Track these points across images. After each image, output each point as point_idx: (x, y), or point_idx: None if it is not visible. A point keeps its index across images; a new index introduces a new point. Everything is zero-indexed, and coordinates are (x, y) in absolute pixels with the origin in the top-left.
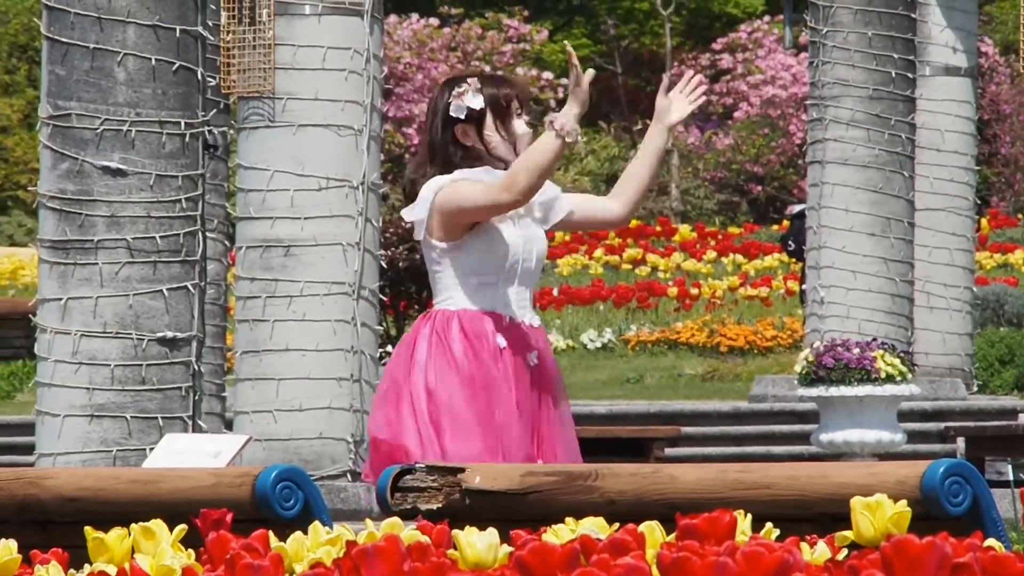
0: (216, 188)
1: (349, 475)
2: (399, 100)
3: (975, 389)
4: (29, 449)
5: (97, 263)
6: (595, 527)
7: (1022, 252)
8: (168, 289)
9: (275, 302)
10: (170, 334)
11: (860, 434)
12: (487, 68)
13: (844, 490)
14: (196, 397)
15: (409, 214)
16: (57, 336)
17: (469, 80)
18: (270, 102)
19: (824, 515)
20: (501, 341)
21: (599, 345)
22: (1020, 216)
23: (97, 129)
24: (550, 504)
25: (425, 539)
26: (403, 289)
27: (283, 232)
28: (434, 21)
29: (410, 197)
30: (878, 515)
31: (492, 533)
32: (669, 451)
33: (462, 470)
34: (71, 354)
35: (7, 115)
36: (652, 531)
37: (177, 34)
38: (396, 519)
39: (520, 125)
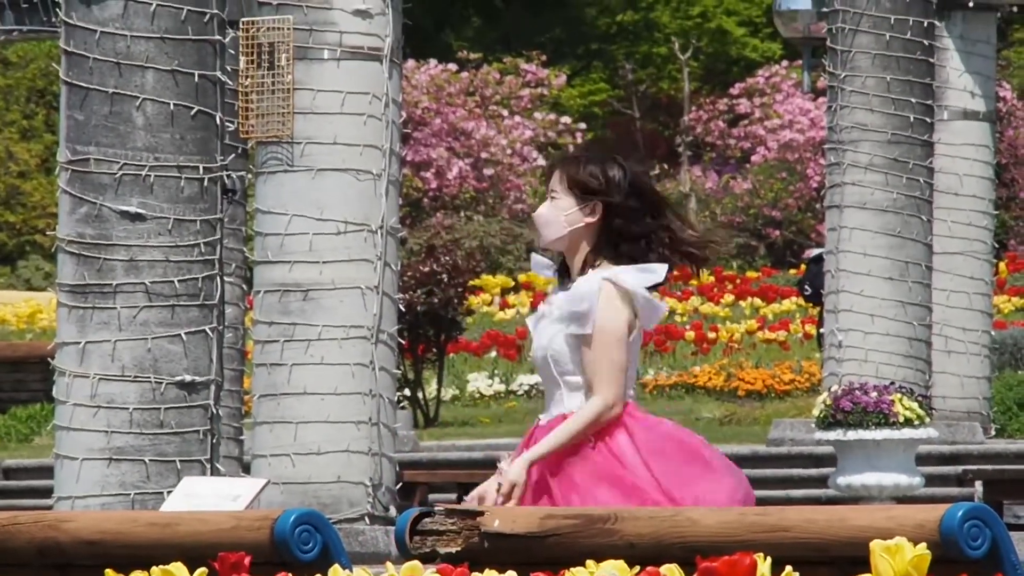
0: (234, 232)
1: (367, 518)
2: (417, 144)
3: (993, 433)
4: (48, 492)
5: (116, 307)
6: (615, 570)
7: None
8: (186, 333)
9: (293, 346)
10: (188, 378)
11: (878, 477)
12: (505, 112)
13: (863, 533)
14: (214, 440)
15: None
16: (76, 379)
17: None
18: (288, 146)
19: (843, 558)
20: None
21: None
22: None
23: (116, 174)
24: (569, 547)
25: None
26: (421, 332)
27: (301, 276)
28: (452, 66)
29: None
30: (898, 558)
31: None
32: None
33: (481, 513)
34: (89, 397)
35: (25, 160)
36: (672, 574)
37: (196, 79)
38: (415, 563)
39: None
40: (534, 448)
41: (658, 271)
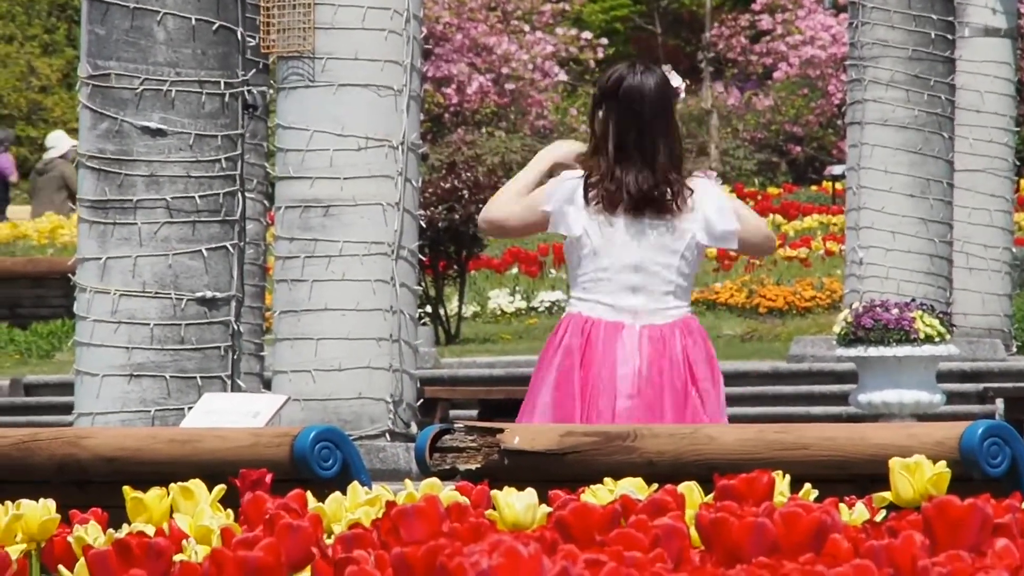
0: (255, 148)
1: (388, 435)
2: (438, 60)
3: (1014, 350)
4: (68, 408)
5: (136, 223)
6: (634, 488)
7: None
8: (207, 249)
9: (314, 262)
10: (209, 294)
11: (899, 395)
12: (526, 28)
13: (882, 451)
14: (235, 357)
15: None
16: (96, 295)
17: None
18: (310, 62)
19: (862, 476)
20: None
21: None
22: None
23: (136, 89)
24: (589, 464)
25: (464, 500)
26: (442, 249)
27: (322, 192)
28: None
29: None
30: (917, 476)
31: (531, 493)
32: None
33: (501, 430)
34: (110, 313)
35: (46, 75)
36: (691, 492)
37: None
38: (435, 479)
39: None
40: None
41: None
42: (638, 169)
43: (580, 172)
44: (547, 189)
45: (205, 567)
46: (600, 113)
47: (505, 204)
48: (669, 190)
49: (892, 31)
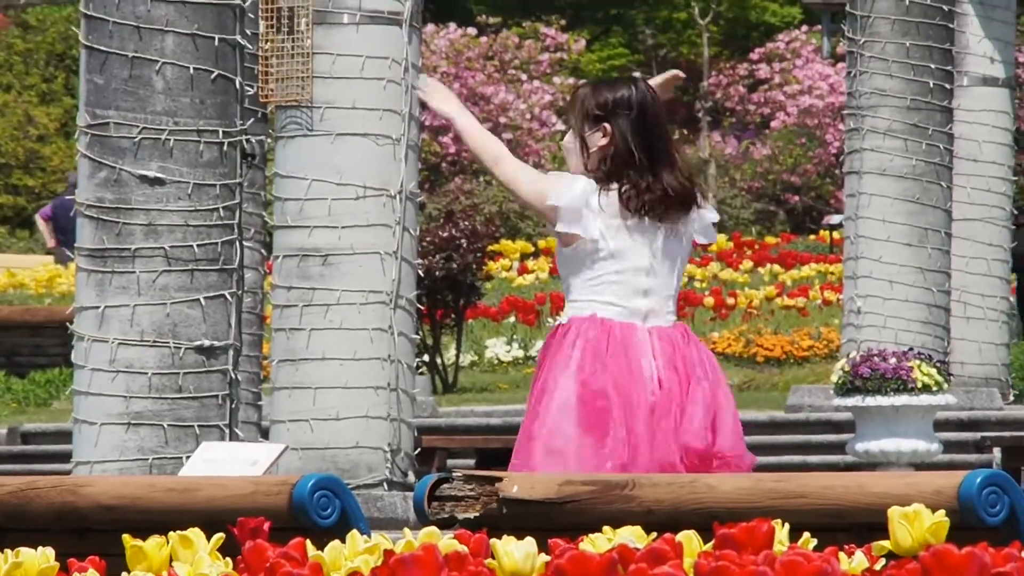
0: (253, 197)
1: (386, 484)
2: None
3: (1011, 399)
4: (66, 457)
5: (135, 271)
6: (632, 536)
7: None
8: (205, 298)
9: (312, 311)
10: (207, 342)
11: (896, 443)
12: (524, 77)
13: (881, 500)
14: (233, 405)
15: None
16: (94, 344)
17: None
18: (308, 111)
19: (861, 525)
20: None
21: None
22: None
23: (135, 138)
24: (587, 513)
25: (463, 548)
26: (440, 297)
27: (320, 241)
28: (472, 30)
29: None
30: (916, 525)
31: (530, 542)
32: None
33: (499, 479)
34: (108, 362)
35: (44, 124)
36: (690, 540)
37: (216, 43)
38: (434, 528)
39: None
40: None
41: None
42: (671, 172)
43: (582, 177)
44: (556, 183)
45: None
46: (608, 127)
47: (514, 174)
48: (697, 189)
49: (890, 80)
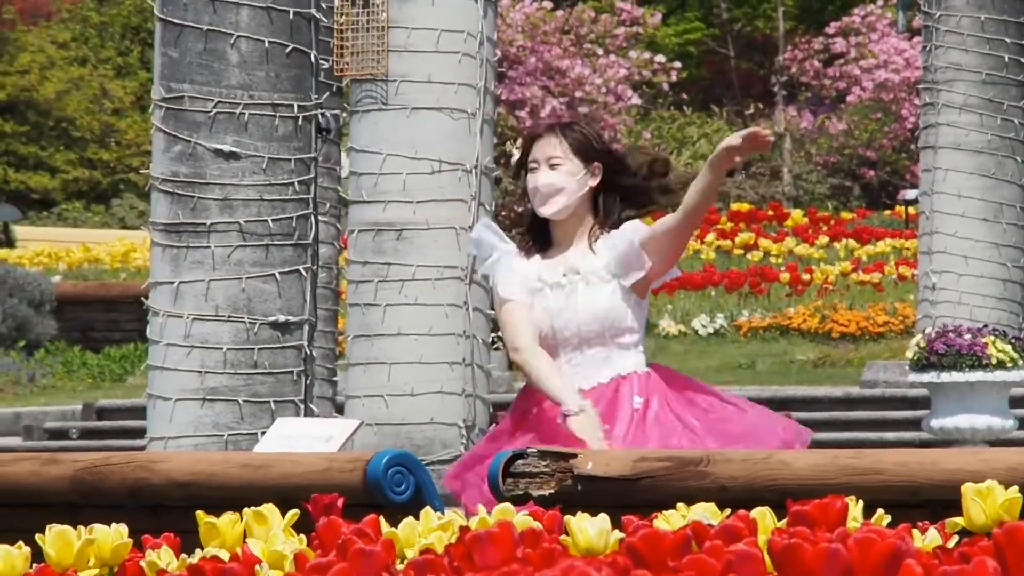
0: (328, 171)
1: None
2: (512, 83)
3: None
4: (140, 433)
5: (209, 246)
6: (706, 513)
7: None
8: (280, 273)
9: (387, 286)
10: (282, 318)
11: (971, 420)
12: (600, 51)
13: (955, 477)
14: (308, 381)
15: None
16: (169, 319)
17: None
18: (383, 85)
19: (935, 501)
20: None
21: (711, 331)
22: None
23: (210, 112)
24: (661, 490)
25: (537, 525)
26: None
27: (395, 216)
28: (547, 4)
29: None
30: (989, 502)
31: (604, 519)
32: None
33: (574, 455)
34: (183, 337)
35: (120, 97)
36: (764, 517)
37: (291, 16)
38: (508, 505)
39: (530, 179)
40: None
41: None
42: None
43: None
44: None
45: None
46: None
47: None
48: None
49: (966, 55)
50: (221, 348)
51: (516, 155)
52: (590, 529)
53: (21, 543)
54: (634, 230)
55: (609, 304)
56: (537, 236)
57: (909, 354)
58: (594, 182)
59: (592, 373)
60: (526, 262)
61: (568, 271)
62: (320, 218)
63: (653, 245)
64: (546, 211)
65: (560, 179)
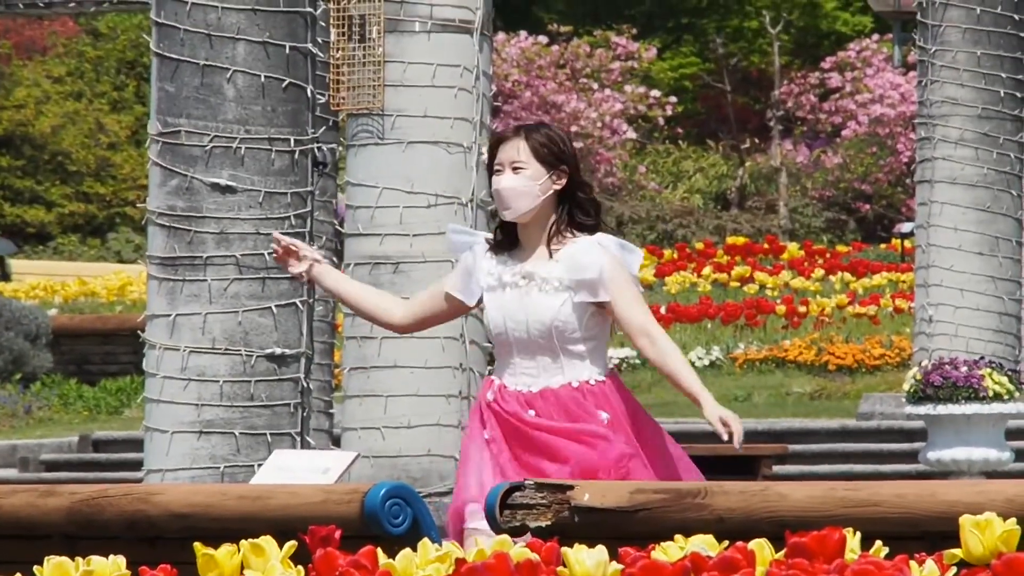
0: (325, 205)
1: None
2: (507, 117)
3: None
4: (137, 465)
5: (206, 279)
6: (704, 545)
7: None
8: (277, 306)
9: None
10: (279, 350)
11: (968, 452)
12: (595, 86)
13: (953, 508)
14: (304, 413)
15: None
16: (166, 352)
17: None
18: (379, 119)
19: (933, 533)
20: (488, 408)
21: (707, 363)
22: None
23: (206, 146)
24: (659, 522)
25: (534, 556)
26: None
27: (392, 249)
28: (543, 39)
29: None
30: (987, 533)
31: (601, 550)
32: (777, 469)
33: (571, 487)
34: (180, 370)
35: (115, 132)
36: (761, 549)
37: (287, 51)
38: (505, 536)
39: (494, 182)
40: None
41: (637, 256)
42: None
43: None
44: (619, 252)
45: None
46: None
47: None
48: None
49: (961, 89)
50: (218, 381)
51: (484, 157)
52: (587, 560)
53: (19, 575)
54: (613, 280)
55: (558, 313)
56: (506, 235)
57: (905, 386)
58: (558, 186)
59: (544, 378)
60: (491, 259)
61: (525, 274)
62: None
63: (613, 314)
64: (508, 215)
65: (521, 183)
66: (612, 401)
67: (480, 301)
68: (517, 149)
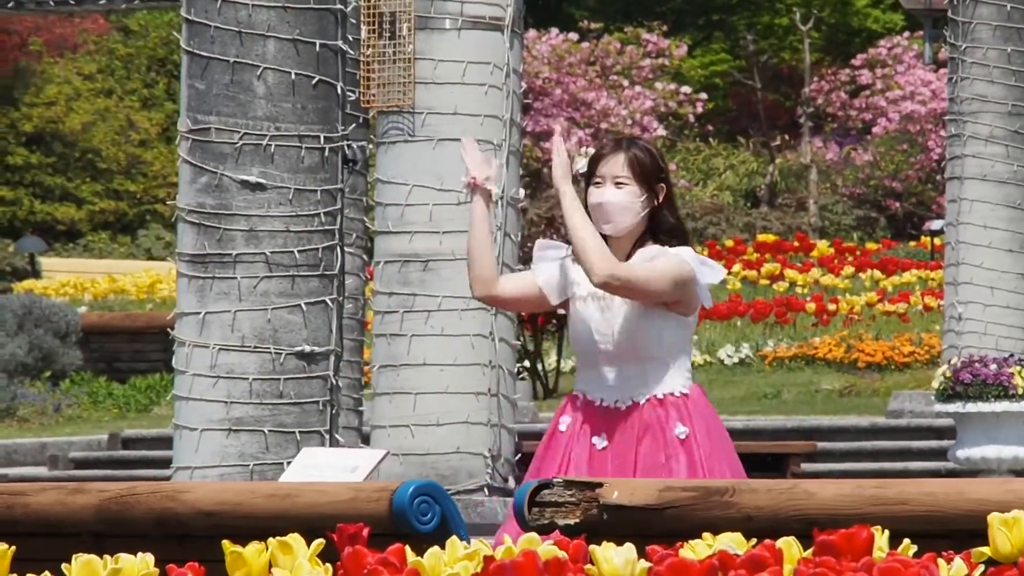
0: (355, 202)
1: (486, 490)
2: (537, 115)
3: None
4: (166, 463)
5: (236, 277)
6: (732, 543)
7: None
8: (306, 303)
9: (413, 316)
10: (308, 348)
11: (997, 450)
12: (625, 83)
13: (981, 506)
14: (334, 411)
15: None
16: (195, 350)
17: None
18: (409, 116)
19: (961, 531)
20: (563, 423)
21: (736, 360)
22: None
23: (236, 143)
24: (687, 520)
25: (562, 554)
26: None
27: (421, 246)
28: (573, 36)
29: None
30: (1015, 531)
31: (629, 548)
32: (806, 466)
33: (600, 485)
34: (209, 368)
35: (146, 129)
36: (789, 547)
37: (317, 48)
38: (533, 534)
39: (595, 194)
40: (571, 205)
41: (717, 272)
42: None
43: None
44: (694, 262)
45: None
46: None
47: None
48: None
49: (992, 86)
50: (247, 378)
51: (581, 164)
52: (616, 558)
53: (47, 573)
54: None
55: (642, 321)
56: None
57: (935, 384)
58: (654, 204)
59: (628, 391)
60: (577, 269)
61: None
62: (346, 249)
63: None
64: (608, 229)
65: (626, 199)
66: (693, 415)
67: (563, 304)
68: (620, 164)
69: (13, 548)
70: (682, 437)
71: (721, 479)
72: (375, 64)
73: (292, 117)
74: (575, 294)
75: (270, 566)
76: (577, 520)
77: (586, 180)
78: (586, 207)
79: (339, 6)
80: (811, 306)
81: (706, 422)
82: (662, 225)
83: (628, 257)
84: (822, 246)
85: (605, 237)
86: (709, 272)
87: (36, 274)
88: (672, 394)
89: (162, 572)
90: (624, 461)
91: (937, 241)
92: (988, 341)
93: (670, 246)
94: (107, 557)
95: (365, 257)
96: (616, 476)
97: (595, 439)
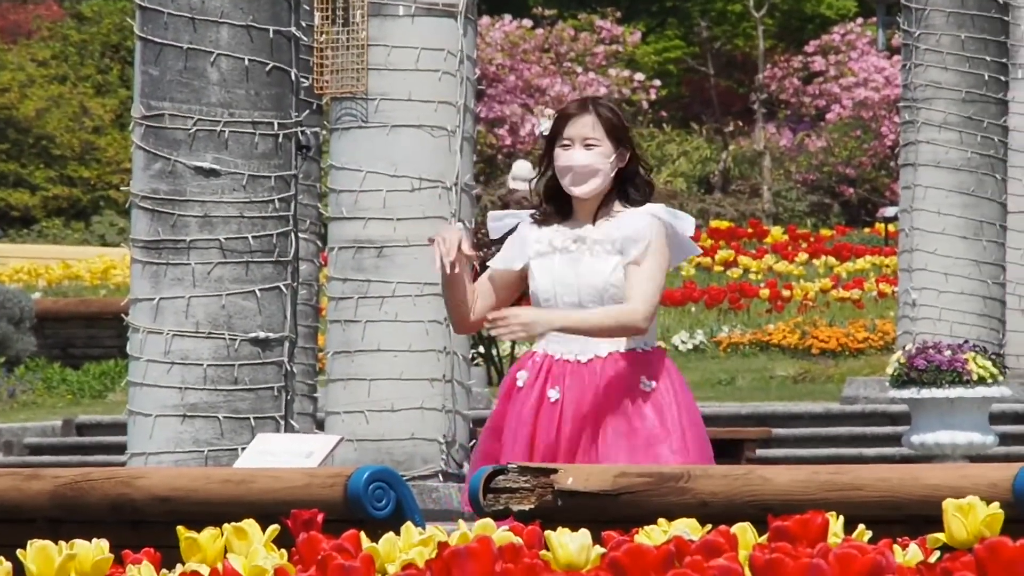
0: (308, 188)
1: (441, 476)
2: (491, 101)
3: None
4: (121, 449)
5: (190, 263)
6: (687, 528)
7: None
8: (260, 289)
9: (367, 303)
10: (262, 334)
11: (951, 436)
12: (579, 69)
13: (936, 492)
14: (288, 397)
15: None
16: (149, 336)
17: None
18: (363, 103)
19: (916, 517)
20: (520, 378)
21: (691, 347)
22: None
23: (190, 129)
24: (642, 505)
25: (517, 540)
26: None
27: (375, 233)
28: (527, 22)
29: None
30: (970, 517)
31: (584, 534)
32: (761, 452)
33: (555, 471)
34: (163, 354)
35: (99, 115)
36: (744, 532)
37: (270, 35)
38: (488, 520)
39: (563, 157)
40: (562, 315)
41: (690, 221)
42: None
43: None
44: (667, 216)
45: None
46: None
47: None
48: None
49: (945, 73)
50: (201, 364)
51: (544, 126)
52: (571, 544)
53: (2, 558)
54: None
55: (610, 277)
56: (556, 205)
57: (889, 370)
58: (622, 164)
59: (590, 343)
60: (538, 229)
61: (576, 239)
62: (300, 235)
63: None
64: (579, 191)
65: (596, 160)
66: (659, 370)
67: (525, 268)
68: (590, 125)
69: None
70: (647, 390)
71: (676, 465)
72: (328, 50)
73: (246, 103)
74: (537, 251)
75: (225, 552)
76: (532, 506)
77: (549, 142)
78: (552, 169)
79: None
80: (765, 292)
81: (673, 384)
82: (631, 182)
83: (595, 217)
84: (776, 232)
85: (561, 197)
86: (683, 223)
87: None
88: (635, 350)
89: (117, 558)
90: (578, 413)
91: (891, 227)
92: (942, 327)
93: (637, 203)
94: (62, 543)
95: (319, 243)
96: (568, 429)
97: (550, 391)
